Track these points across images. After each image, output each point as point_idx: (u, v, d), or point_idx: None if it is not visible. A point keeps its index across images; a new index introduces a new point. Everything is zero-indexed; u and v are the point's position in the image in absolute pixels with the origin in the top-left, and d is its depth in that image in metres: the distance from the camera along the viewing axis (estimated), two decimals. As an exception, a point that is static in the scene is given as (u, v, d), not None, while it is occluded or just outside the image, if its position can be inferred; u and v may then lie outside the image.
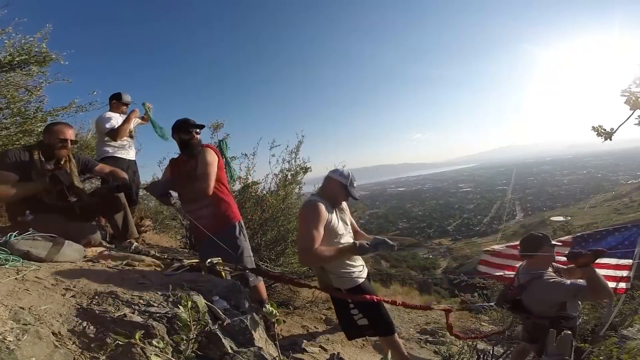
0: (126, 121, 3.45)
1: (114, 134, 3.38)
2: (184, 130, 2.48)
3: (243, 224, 2.57)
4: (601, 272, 2.50)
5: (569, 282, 2.20)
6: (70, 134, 2.36)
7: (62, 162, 2.32)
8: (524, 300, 2.36)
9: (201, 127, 2.54)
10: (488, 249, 3.34)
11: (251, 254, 2.56)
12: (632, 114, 1.07)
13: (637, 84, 1.06)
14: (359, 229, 2.50)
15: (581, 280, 2.18)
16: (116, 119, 3.49)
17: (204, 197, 2.34)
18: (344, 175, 2.24)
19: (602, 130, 1.15)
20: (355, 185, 2.28)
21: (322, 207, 2.07)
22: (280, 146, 4.14)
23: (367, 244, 2.02)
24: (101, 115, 3.50)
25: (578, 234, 3.05)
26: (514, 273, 2.61)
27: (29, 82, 3.27)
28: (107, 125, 3.40)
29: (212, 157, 2.43)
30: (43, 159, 2.22)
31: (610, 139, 1.16)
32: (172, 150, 4.14)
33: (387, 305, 2.25)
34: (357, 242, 2.06)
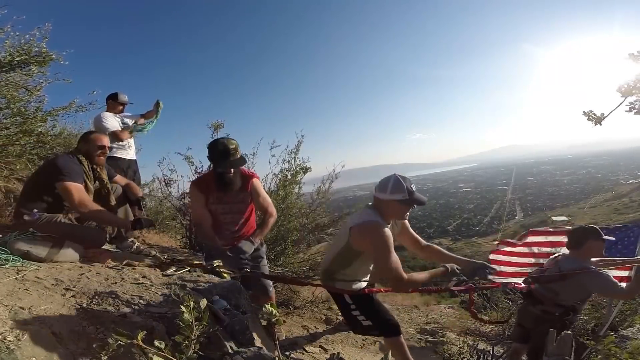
0: (127, 130, 3.53)
1: (113, 136, 3.39)
2: (219, 163, 2.28)
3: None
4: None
5: (618, 282, 2.31)
6: (106, 141, 2.42)
7: (99, 169, 2.37)
8: (555, 286, 2.37)
9: (242, 164, 2.36)
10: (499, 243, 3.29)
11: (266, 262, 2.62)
12: (624, 100, 1.08)
13: (633, 77, 1.07)
14: (427, 244, 2.32)
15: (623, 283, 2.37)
16: (112, 119, 3.49)
17: (273, 220, 2.46)
18: (396, 187, 1.92)
19: (593, 115, 1.14)
20: (413, 186, 1.94)
21: (388, 230, 1.93)
22: (281, 146, 4.15)
23: (459, 269, 2.00)
24: (97, 116, 3.51)
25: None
26: (547, 260, 2.66)
27: (29, 82, 3.27)
28: (107, 126, 3.41)
29: (262, 187, 2.55)
30: (92, 168, 2.31)
31: (601, 124, 1.16)
32: (173, 149, 4.14)
33: (386, 306, 2.23)
34: (448, 266, 2.02)
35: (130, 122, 3.71)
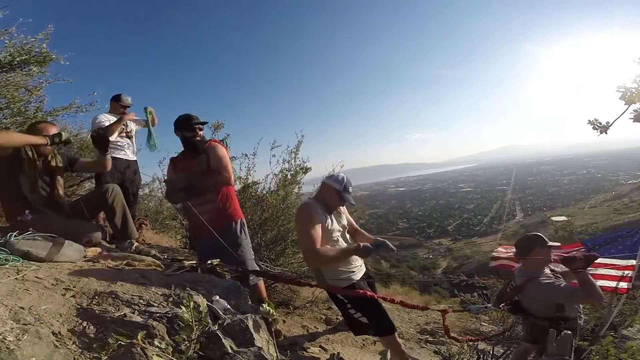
0: (117, 122, 3.43)
1: (108, 130, 3.37)
2: (186, 127, 2.47)
3: (245, 222, 2.58)
4: (604, 271, 2.49)
5: (563, 284, 2.21)
6: (53, 130, 2.37)
7: (48, 158, 2.33)
8: (522, 301, 2.37)
9: (204, 123, 2.54)
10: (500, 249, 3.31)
11: (252, 253, 2.56)
12: (627, 109, 1.08)
13: (632, 80, 1.07)
14: (358, 228, 2.52)
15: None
16: (107, 120, 3.46)
17: (226, 185, 2.47)
18: (338, 180, 2.27)
19: (598, 124, 1.15)
20: (350, 190, 2.29)
21: (315, 208, 2.13)
22: (281, 146, 4.16)
23: (370, 245, 2.04)
24: (95, 116, 3.51)
25: (587, 240, 3.04)
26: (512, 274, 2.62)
27: (29, 82, 3.28)
28: (96, 125, 3.38)
29: (223, 151, 2.53)
30: (35, 153, 2.25)
31: (606, 133, 1.17)
32: (172, 149, 4.14)
33: (386, 306, 2.26)
34: (361, 243, 2.08)
35: (131, 125, 3.69)
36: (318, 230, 2.06)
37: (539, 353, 2.47)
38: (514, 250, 2.67)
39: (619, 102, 1.09)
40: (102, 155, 2.51)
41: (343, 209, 2.44)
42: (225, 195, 2.47)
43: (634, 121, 1.08)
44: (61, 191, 2.38)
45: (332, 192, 2.26)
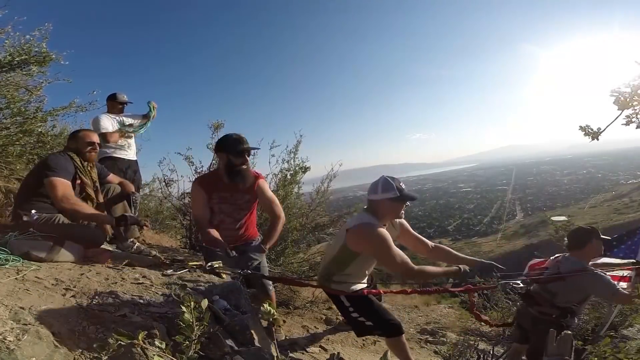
0: (118, 131, 3.47)
1: (104, 137, 3.38)
2: (235, 152, 2.20)
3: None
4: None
5: (612, 280, 2.29)
6: (95, 137, 2.42)
7: (90, 167, 2.36)
8: (554, 287, 2.36)
9: (255, 149, 2.36)
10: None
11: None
12: (620, 114, 1.08)
13: (627, 84, 1.07)
14: (435, 245, 2.37)
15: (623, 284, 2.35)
16: (106, 121, 3.47)
17: (281, 224, 2.38)
18: (386, 187, 1.97)
19: (590, 130, 1.15)
20: (402, 184, 2.01)
21: (385, 230, 1.98)
22: (280, 146, 4.16)
23: (470, 269, 2.03)
24: (95, 117, 3.51)
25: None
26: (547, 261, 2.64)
27: (29, 82, 3.28)
28: (98, 127, 3.39)
29: (269, 190, 2.46)
30: (84, 164, 2.29)
31: (597, 139, 1.17)
32: (172, 149, 4.14)
33: (386, 306, 2.24)
34: (461, 267, 2.04)
35: (131, 121, 3.70)
36: (398, 250, 1.95)
37: (528, 354, 2.49)
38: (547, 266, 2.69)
39: (613, 105, 1.09)
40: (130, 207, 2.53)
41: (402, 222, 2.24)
42: (252, 217, 2.50)
43: (625, 125, 1.08)
44: (100, 198, 2.40)
45: (388, 204, 1.98)
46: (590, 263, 2.44)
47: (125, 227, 2.35)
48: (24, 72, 3.22)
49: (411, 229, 2.31)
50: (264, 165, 4.21)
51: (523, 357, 2.67)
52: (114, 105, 3.62)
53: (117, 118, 3.55)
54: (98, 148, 2.43)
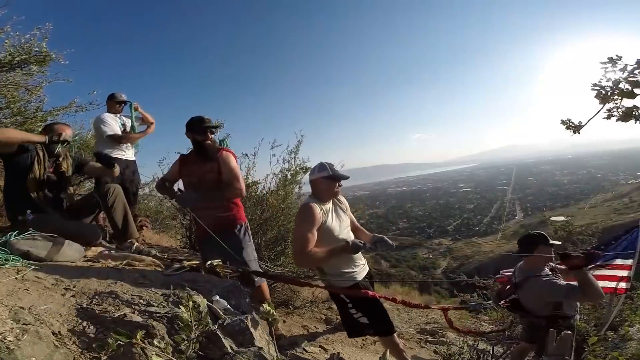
0: (134, 136, 3.58)
1: (119, 139, 3.42)
2: (198, 130, 2.42)
3: (248, 226, 2.60)
4: (602, 272, 2.49)
5: (562, 282, 2.21)
6: (68, 131, 2.42)
7: (59, 160, 2.36)
8: (520, 298, 2.37)
9: (217, 127, 2.53)
10: None
11: (255, 255, 2.58)
12: (602, 108, 1.08)
13: (607, 79, 1.07)
14: (359, 226, 2.50)
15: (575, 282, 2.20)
16: (112, 122, 3.50)
17: (239, 197, 2.50)
18: (321, 168, 2.22)
19: (571, 124, 1.16)
20: (336, 168, 2.24)
21: (316, 208, 2.07)
22: (281, 146, 4.14)
23: (361, 242, 2.03)
24: (98, 117, 3.52)
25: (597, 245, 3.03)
26: (511, 272, 2.62)
27: (29, 82, 3.28)
28: (106, 129, 3.41)
29: (235, 161, 2.52)
30: (46, 153, 2.28)
31: (579, 133, 1.17)
32: (172, 149, 4.14)
33: (386, 306, 2.25)
34: (349, 240, 2.07)
35: (128, 121, 3.70)
36: (314, 232, 2.01)
37: (537, 352, 2.47)
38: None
39: (592, 98, 1.09)
40: (108, 169, 2.57)
41: (346, 205, 2.39)
42: (233, 201, 2.50)
43: (616, 120, 1.08)
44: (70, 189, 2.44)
45: (323, 182, 2.19)
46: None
47: (58, 142, 2.32)
48: (24, 72, 3.22)
49: (349, 209, 2.43)
50: (265, 165, 4.21)
51: (528, 358, 2.67)
52: (113, 104, 3.64)
53: (116, 118, 3.56)
54: (67, 144, 2.44)
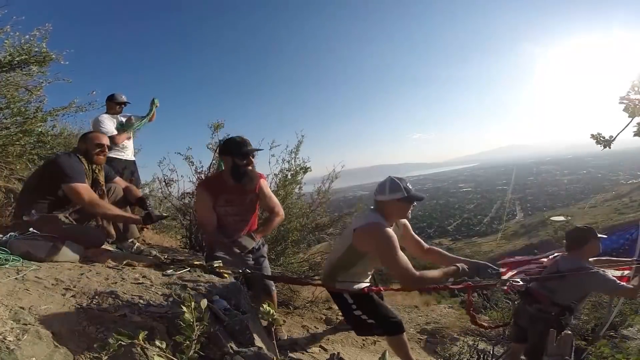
0: (123, 134, 3.53)
1: (111, 140, 3.40)
2: (239, 153, 2.23)
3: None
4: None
5: (611, 276, 2.33)
6: (105, 140, 2.41)
7: (98, 169, 2.36)
8: (553, 285, 2.39)
9: (259, 150, 2.41)
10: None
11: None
12: (631, 121, 1.07)
13: (636, 91, 1.05)
14: (429, 247, 2.39)
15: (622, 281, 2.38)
16: (109, 122, 3.49)
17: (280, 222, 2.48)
18: (394, 187, 1.98)
19: (602, 139, 1.15)
20: (409, 185, 2.02)
21: (392, 231, 1.97)
22: (280, 146, 4.14)
23: (468, 269, 2.03)
24: (95, 118, 3.52)
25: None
26: (545, 260, 2.68)
27: (29, 82, 3.28)
28: (101, 129, 3.40)
29: (268, 189, 2.50)
30: (92, 167, 2.30)
31: (610, 147, 1.16)
32: (172, 149, 4.13)
33: (388, 305, 2.24)
34: (459, 265, 2.04)
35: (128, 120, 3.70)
36: (403, 254, 1.93)
37: (526, 353, 2.49)
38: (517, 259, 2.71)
39: (619, 110, 1.08)
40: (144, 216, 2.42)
41: (404, 222, 2.26)
42: (255, 216, 2.50)
43: (634, 135, 1.07)
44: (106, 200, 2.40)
45: (397, 204, 1.99)
46: (592, 259, 2.45)
47: (150, 222, 2.34)
48: (24, 72, 3.22)
49: (412, 231, 2.32)
50: (264, 165, 4.21)
51: (522, 358, 2.67)
52: (112, 105, 3.64)
53: (117, 119, 3.57)
54: (107, 151, 2.42)
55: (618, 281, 2.30)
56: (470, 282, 2.12)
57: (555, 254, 2.66)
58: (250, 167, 2.27)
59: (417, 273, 1.89)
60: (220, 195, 2.29)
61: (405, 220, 2.22)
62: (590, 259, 2.45)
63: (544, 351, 1.37)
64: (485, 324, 2.59)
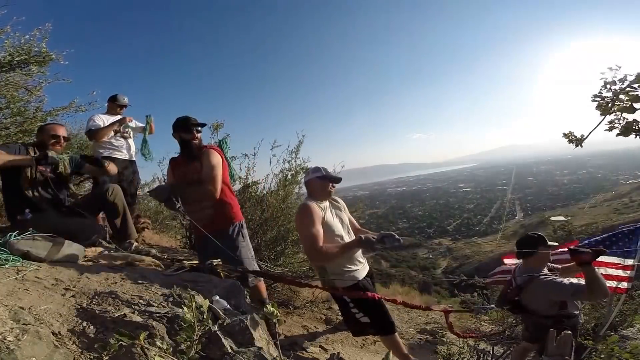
0: (109, 126, 3.43)
1: (92, 135, 3.37)
2: (184, 129, 2.40)
3: (244, 224, 2.55)
4: (602, 270, 2.49)
5: (566, 281, 2.22)
6: (62, 131, 2.42)
7: (63, 162, 2.37)
8: (523, 300, 2.37)
9: (203, 125, 2.48)
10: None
11: (252, 254, 2.55)
12: (603, 119, 1.06)
13: (607, 88, 1.05)
14: (360, 227, 2.52)
15: (575, 280, 2.23)
16: (102, 121, 3.45)
17: (212, 200, 2.33)
18: (314, 170, 2.34)
19: (573, 137, 1.16)
20: (329, 170, 2.36)
21: (314, 205, 2.15)
22: (281, 146, 4.14)
23: (374, 237, 2.03)
24: (90, 117, 3.51)
25: (585, 239, 3.08)
26: (510, 275, 2.62)
27: (29, 82, 3.28)
28: (89, 125, 3.38)
29: (217, 159, 2.39)
30: (37, 154, 2.28)
31: (581, 146, 1.17)
32: (172, 149, 4.13)
33: (387, 305, 2.25)
34: (362, 236, 2.09)
35: (131, 125, 3.68)
36: (319, 228, 2.07)
37: (539, 352, 2.47)
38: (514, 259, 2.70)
39: (593, 109, 1.07)
40: (100, 169, 2.61)
41: (343, 205, 2.45)
42: (225, 200, 2.43)
43: (617, 135, 1.07)
44: (65, 174, 2.44)
45: (317, 183, 2.30)
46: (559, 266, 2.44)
47: (47, 163, 2.28)
48: (24, 72, 3.22)
49: (347, 210, 2.50)
50: (265, 165, 4.20)
51: (529, 358, 2.66)
52: (114, 107, 3.62)
53: (112, 120, 3.54)
54: (63, 141, 2.45)
55: (572, 284, 2.17)
56: (447, 308, 2.23)
57: (515, 264, 2.65)
58: (195, 141, 2.41)
59: (323, 247, 2.00)
60: (176, 169, 2.50)
61: (341, 201, 2.47)
62: (545, 266, 2.39)
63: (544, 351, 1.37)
64: (473, 334, 2.67)
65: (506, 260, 3.22)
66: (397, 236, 2.06)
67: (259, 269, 2.68)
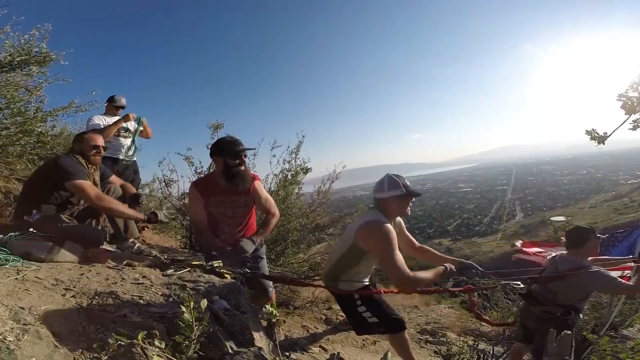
0: (113, 125, 3.46)
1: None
2: (231, 154, 2.21)
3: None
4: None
5: (613, 274, 2.35)
6: (100, 141, 2.41)
7: (93, 169, 2.35)
8: (554, 286, 2.39)
9: (251, 149, 2.43)
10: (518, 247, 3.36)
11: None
12: (628, 118, 1.07)
13: (634, 88, 1.05)
14: (418, 245, 2.38)
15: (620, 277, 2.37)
16: (100, 121, 3.48)
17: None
18: (392, 185, 2.01)
19: (596, 135, 1.15)
20: (407, 182, 2.05)
21: (391, 228, 1.97)
22: (282, 146, 4.15)
23: (454, 269, 2.04)
24: (89, 117, 3.52)
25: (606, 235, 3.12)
26: (543, 260, 2.68)
27: (29, 82, 3.28)
28: (89, 125, 3.40)
29: (264, 190, 2.49)
30: (88, 167, 2.30)
31: (604, 143, 1.16)
32: (172, 149, 4.14)
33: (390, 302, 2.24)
34: (447, 265, 2.05)
35: (128, 126, 3.68)
36: (399, 253, 1.92)
37: (533, 352, 2.48)
38: (539, 249, 2.71)
39: (616, 107, 1.08)
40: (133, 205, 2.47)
41: (401, 223, 2.27)
42: (252, 219, 2.50)
43: (632, 130, 1.07)
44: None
45: (396, 201, 2.01)
46: (591, 259, 2.45)
47: (155, 222, 2.37)
48: (24, 72, 3.22)
49: (405, 230, 2.32)
50: (265, 165, 4.21)
51: (524, 357, 2.67)
52: (111, 107, 3.64)
53: (110, 120, 3.55)
54: (102, 151, 2.43)
55: (619, 279, 2.29)
56: (470, 285, 2.13)
57: (554, 254, 2.66)
58: (242, 167, 2.25)
59: (411, 274, 1.88)
60: (211, 196, 2.28)
61: (399, 218, 2.22)
62: (589, 258, 2.45)
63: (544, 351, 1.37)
64: (491, 321, 2.59)
65: (529, 249, 3.23)
66: (474, 269, 2.02)
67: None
